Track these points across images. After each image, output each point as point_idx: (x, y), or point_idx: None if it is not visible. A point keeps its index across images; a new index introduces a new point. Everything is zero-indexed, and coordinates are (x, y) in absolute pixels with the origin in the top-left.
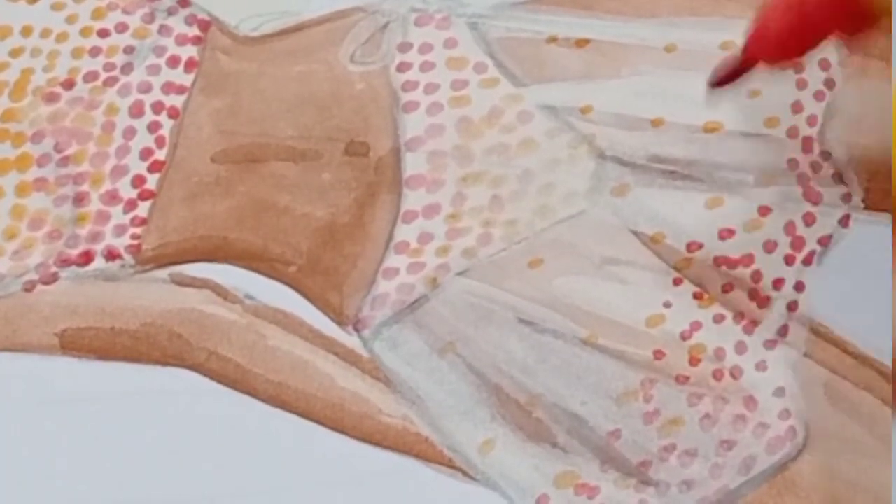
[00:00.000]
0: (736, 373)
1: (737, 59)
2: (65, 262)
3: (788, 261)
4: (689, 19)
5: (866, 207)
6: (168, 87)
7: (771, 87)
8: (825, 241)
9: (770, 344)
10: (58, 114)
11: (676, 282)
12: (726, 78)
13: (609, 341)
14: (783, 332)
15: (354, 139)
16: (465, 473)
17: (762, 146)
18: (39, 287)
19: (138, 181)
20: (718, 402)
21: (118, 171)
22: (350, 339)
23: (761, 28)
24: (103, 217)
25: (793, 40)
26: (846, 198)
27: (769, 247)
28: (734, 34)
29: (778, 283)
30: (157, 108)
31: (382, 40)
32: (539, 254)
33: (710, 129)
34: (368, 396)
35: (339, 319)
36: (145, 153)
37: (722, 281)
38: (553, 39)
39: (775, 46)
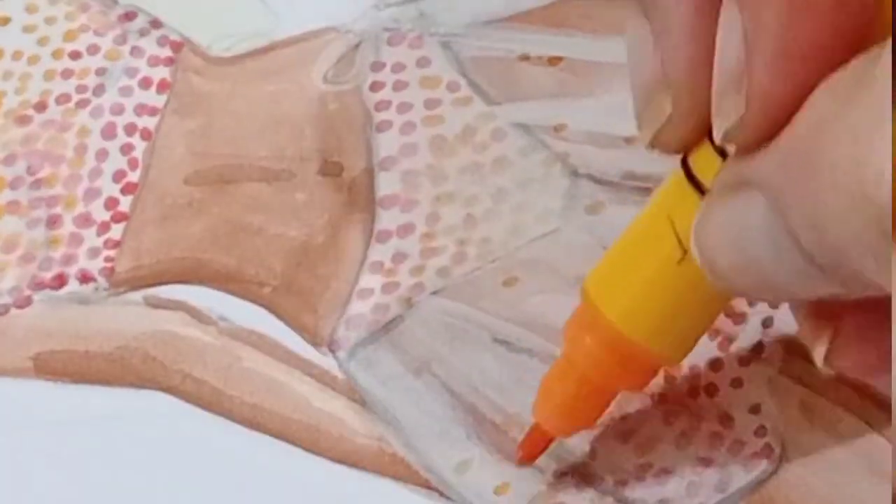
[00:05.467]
0: (711, 390)
1: (532, 434)
2: (38, 286)
3: None
4: None
5: None
6: (140, 109)
7: None
8: None
9: (745, 361)
10: (30, 136)
11: None
12: (530, 455)
13: None
14: (758, 349)
15: (328, 159)
16: (441, 494)
17: None
18: (13, 311)
19: (111, 203)
20: (694, 420)
21: (91, 194)
22: (325, 360)
23: (544, 401)
24: (76, 240)
25: (579, 409)
26: None
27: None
28: None
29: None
30: (130, 129)
31: (355, 60)
32: (513, 272)
33: None
34: (344, 417)
35: (314, 340)
36: (118, 175)
37: None
38: (525, 58)
39: (562, 419)
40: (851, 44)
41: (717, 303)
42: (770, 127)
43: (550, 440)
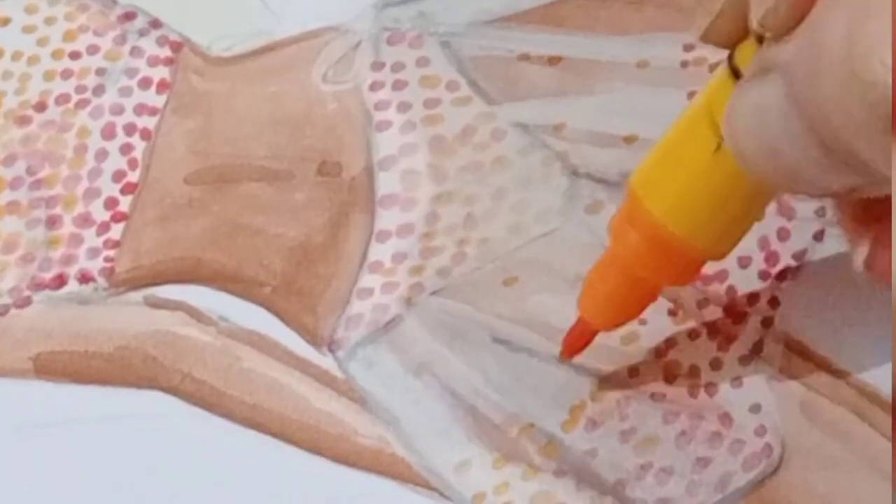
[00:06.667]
0: (711, 390)
1: (575, 329)
2: (38, 286)
3: (763, 276)
4: (661, 35)
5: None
6: (140, 109)
7: None
8: (799, 257)
9: (745, 360)
10: (30, 137)
11: None
12: (572, 349)
13: (584, 359)
14: (758, 348)
15: (327, 159)
16: (441, 494)
17: None
18: (13, 311)
19: (111, 203)
20: (694, 420)
21: (91, 194)
22: (325, 361)
23: (589, 295)
24: (76, 240)
25: (623, 303)
26: (820, 212)
27: (743, 262)
28: (707, 50)
29: (752, 299)
30: (130, 129)
31: (355, 59)
32: (513, 272)
33: None
34: (344, 418)
35: (314, 340)
36: (118, 175)
37: (696, 297)
38: (525, 57)
39: (607, 312)
40: None
41: (758, 197)
42: (798, 14)
43: (594, 334)
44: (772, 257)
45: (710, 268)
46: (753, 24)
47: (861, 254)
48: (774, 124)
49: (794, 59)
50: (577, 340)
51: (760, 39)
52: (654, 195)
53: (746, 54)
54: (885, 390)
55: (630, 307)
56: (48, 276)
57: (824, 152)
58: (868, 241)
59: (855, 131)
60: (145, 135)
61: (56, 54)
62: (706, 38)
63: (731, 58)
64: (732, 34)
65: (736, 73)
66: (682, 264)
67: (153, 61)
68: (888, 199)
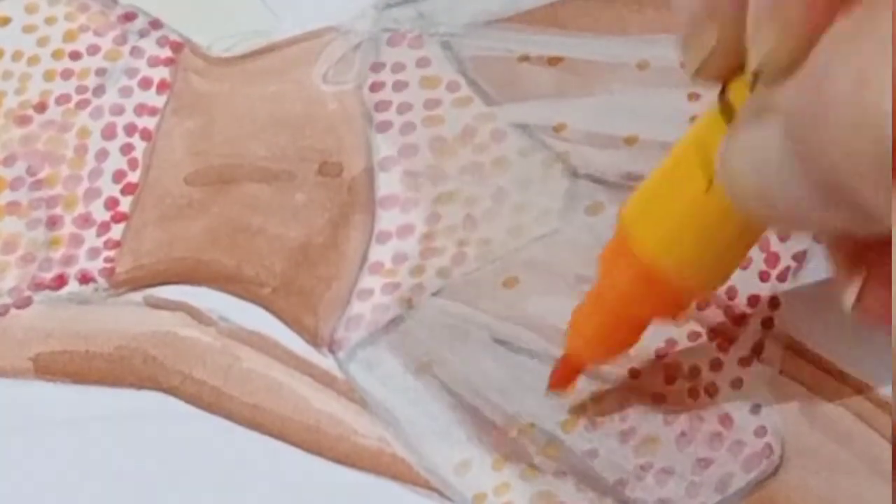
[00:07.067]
0: (711, 390)
1: (562, 363)
2: (38, 286)
3: (763, 277)
4: (661, 36)
5: None
6: (140, 109)
7: None
8: (800, 257)
9: (745, 361)
10: (30, 137)
11: None
12: (559, 384)
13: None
14: (758, 349)
15: (327, 160)
16: (441, 494)
17: None
18: (13, 311)
19: (111, 204)
20: (694, 421)
21: (91, 194)
22: (325, 361)
23: (576, 330)
24: (77, 240)
25: (611, 338)
26: None
27: (743, 263)
28: None
29: (753, 300)
30: (130, 130)
31: (355, 60)
32: (513, 273)
33: None
34: (344, 418)
35: (314, 341)
36: (118, 175)
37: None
38: (525, 58)
39: (594, 347)
40: None
41: (749, 234)
42: (800, 56)
43: (581, 369)
44: (772, 258)
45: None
46: (753, 65)
47: (852, 293)
48: (772, 166)
49: (795, 102)
50: (565, 376)
51: (756, 78)
52: (644, 231)
53: (740, 91)
54: (885, 391)
55: (618, 342)
56: (48, 276)
57: (823, 195)
58: (859, 280)
59: (858, 175)
60: (146, 135)
61: (56, 54)
62: (699, 75)
63: (722, 94)
64: (725, 70)
65: (729, 110)
66: (671, 299)
67: (153, 62)
68: (882, 239)
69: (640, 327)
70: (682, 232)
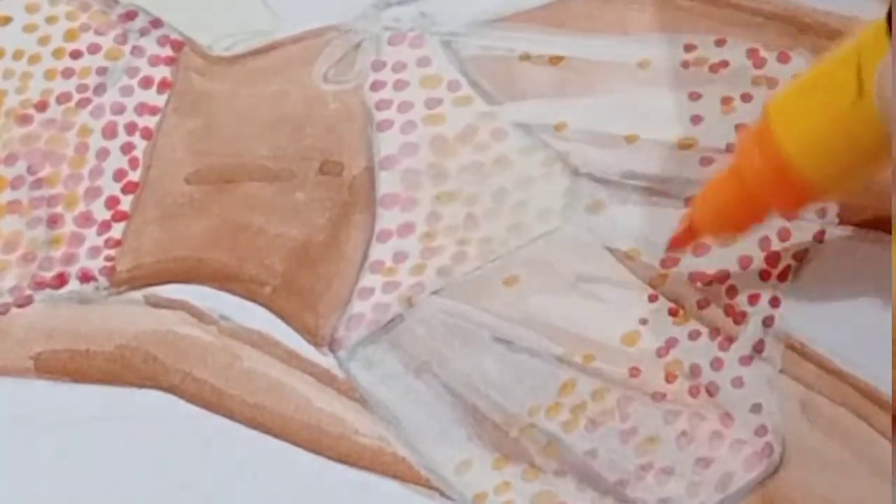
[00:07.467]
0: (712, 389)
1: (683, 228)
2: (39, 285)
3: (763, 276)
4: (661, 35)
5: (841, 222)
6: (141, 108)
7: (745, 102)
8: (800, 257)
9: (746, 360)
10: (31, 136)
11: (652, 298)
12: (677, 243)
13: (584, 359)
14: (759, 348)
15: (328, 158)
16: (441, 493)
17: None
18: (14, 310)
19: (112, 203)
20: (695, 420)
21: (92, 193)
22: (326, 360)
23: (703, 200)
24: (77, 239)
25: (732, 215)
26: (821, 213)
27: (744, 262)
28: (707, 51)
29: (753, 299)
30: (131, 129)
31: (356, 59)
32: (514, 272)
33: (684, 145)
34: (345, 417)
35: (315, 340)
36: (119, 174)
37: (697, 297)
38: (526, 57)
39: (715, 220)
40: None
41: (885, 151)
42: None
43: (699, 236)
44: (773, 258)
45: (710, 268)
46: None
47: None
48: None
49: None
50: (682, 238)
51: None
52: (787, 127)
53: None
54: (885, 390)
55: (738, 221)
56: (49, 275)
57: None
58: None
59: None
60: (146, 134)
61: (57, 53)
62: None
63: (889, 15)
64: None
65: (892, 31)
66: (797, 194)
67: (154, 60)
68: None
69: (761, 212)
70: (823, 136)
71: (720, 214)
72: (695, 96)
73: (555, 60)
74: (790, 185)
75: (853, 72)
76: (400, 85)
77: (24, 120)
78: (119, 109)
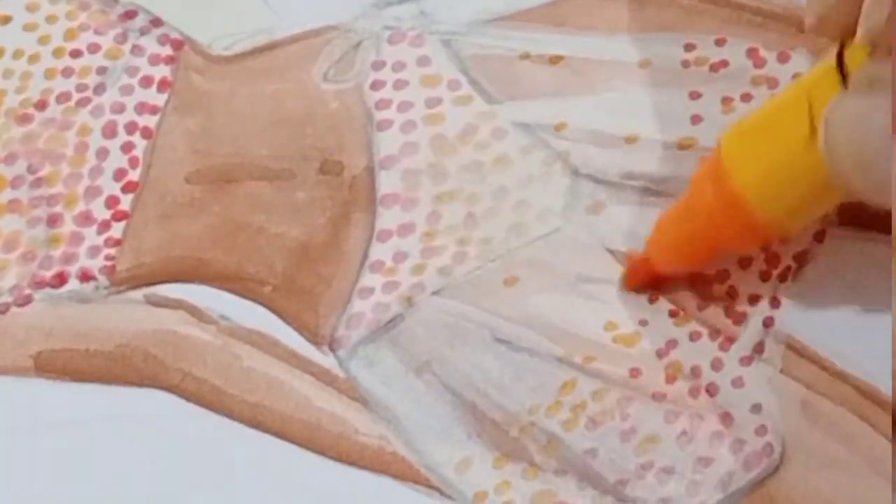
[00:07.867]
0: (712, 390)
1: (637, 263)
2: (39, 284)
3: (764, 277)
4: (662, 35)
5: (841, 223)
6: (141, 108)
7: (745, 102)
8: (800, 257)
9: (746, 361)
10: (31, 135)
11: (652, 299)
12: (632, 280)
13: (584, 359)
14: (759, 348)
15: (328, 158)
16: (442, 493)
17: None
18: (13, 309)
19: (112, 202)
20: (695, 420)
21: (92, 193)
22: (326, 359)
23: (659, 234)
24: (77, 238)
25: (685, 250)
26: None
27: (744, 263)
28: (707, 50)
29: (753, 300)
30: (131, 128)
31: (356, 58)
32: (514, 272)
33: (684, 145)
34: (345, 416)
35: (315, 339)
36: (119, 174)
37: (697, 298)
38: (526, 56)
39: (668, 255)
40: None
41: (836, 193)
42: None
43: (653, 273)
44: (773, 258)
45: (710, 268)
46: (860, 36)
47: None
48: (873, 140)
49: None
50: (637, 276)
51: (873, 48)
52: (738, 163)
53: (857, 56)
54: (885, 390)
55: (692, 257)
56: (49, 274)
57: None
58: None
59: None
60: (146, 133)
61: (57, 52)
62: (817, 30)
63: (840, 54)
64: (844, 30)
65: (842, 72)
66: (751, 231)
67: (154, 60)
68: None
69: (715, 250)
70: (775, 172)
71: (674, 249)
72: (695, 96)
73: (555, 60)
74: (745, 221)
75: (805, 111)
76: (400, 84)
77: (24, 119)
78: (119, 109)
